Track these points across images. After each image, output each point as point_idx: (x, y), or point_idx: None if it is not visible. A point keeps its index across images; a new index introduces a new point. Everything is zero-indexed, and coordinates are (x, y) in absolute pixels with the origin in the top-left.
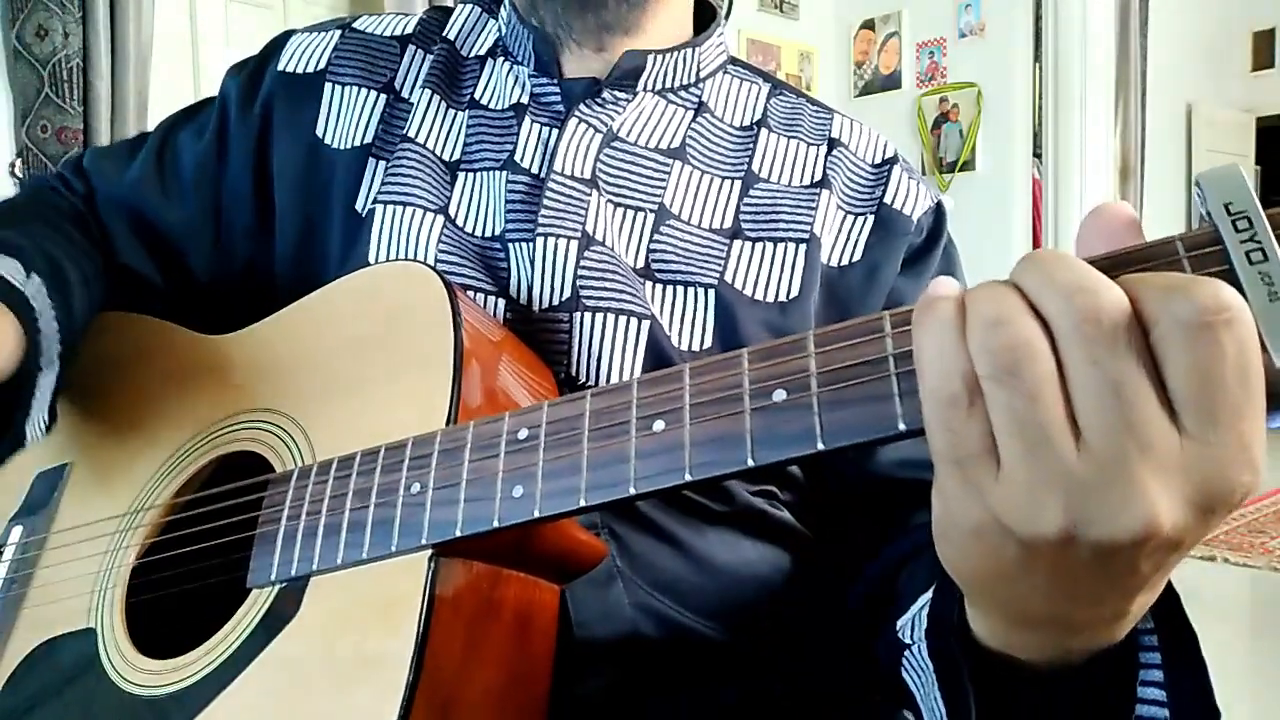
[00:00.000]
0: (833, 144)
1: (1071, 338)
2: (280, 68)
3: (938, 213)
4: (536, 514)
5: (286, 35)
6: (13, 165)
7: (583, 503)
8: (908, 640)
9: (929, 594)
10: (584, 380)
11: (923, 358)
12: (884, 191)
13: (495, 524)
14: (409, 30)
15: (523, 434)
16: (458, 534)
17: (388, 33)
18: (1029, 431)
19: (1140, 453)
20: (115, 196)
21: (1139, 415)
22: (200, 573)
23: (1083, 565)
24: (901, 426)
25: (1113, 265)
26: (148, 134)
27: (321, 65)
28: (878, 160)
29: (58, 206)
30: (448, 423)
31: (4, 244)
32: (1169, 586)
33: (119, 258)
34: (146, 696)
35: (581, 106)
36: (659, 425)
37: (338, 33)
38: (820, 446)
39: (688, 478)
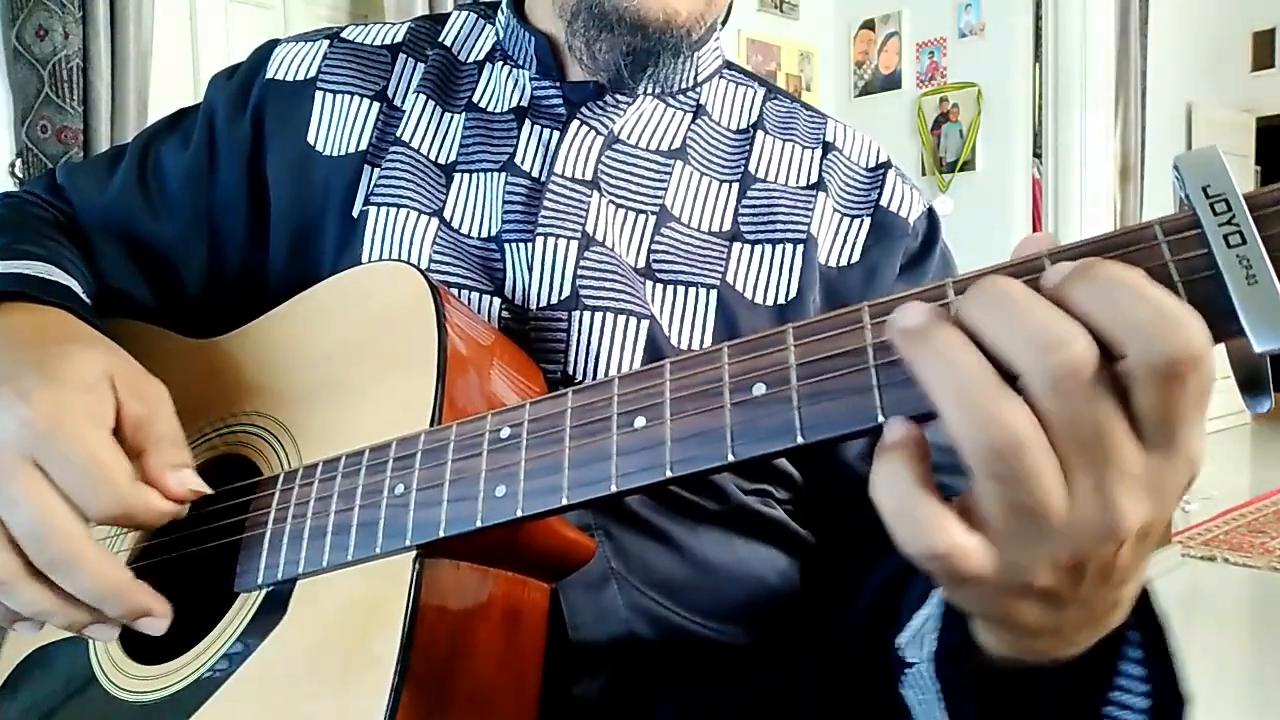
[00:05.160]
0: (827, 148)
1: (1050, 395)
2: (269, 76)
3: (930, 218)
4: (519, 513)
5: (272, 44)
6: (13, 165)
7: (565, 501)
8: (911, 659)
9: (928, 612)
10: (581, 379)
11: (880, 502)
12: (880, 195)
13: (478, 524)
14: (398, 39)
15: (505, 433)
16: (441, 534)
17: (377, 42)
18: (1026, 511)
19: (1117, 478)
20: (98, 215)
21: (1116, 448)
22: (189, 577)
23: (1079, 580)
24: (881, 419)
25: (1094, 252)
26: (123, 147)
27: (312, 73)
28: (872, 165)
29: (44, 219)
30: (432, 423)
31: (37, 255)
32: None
33: (107, 280)
34: (137, 702)
35: (584, 109)
36: (640, 421)
37: (325, 42)
38: (800, 440)
39: (669, 474)
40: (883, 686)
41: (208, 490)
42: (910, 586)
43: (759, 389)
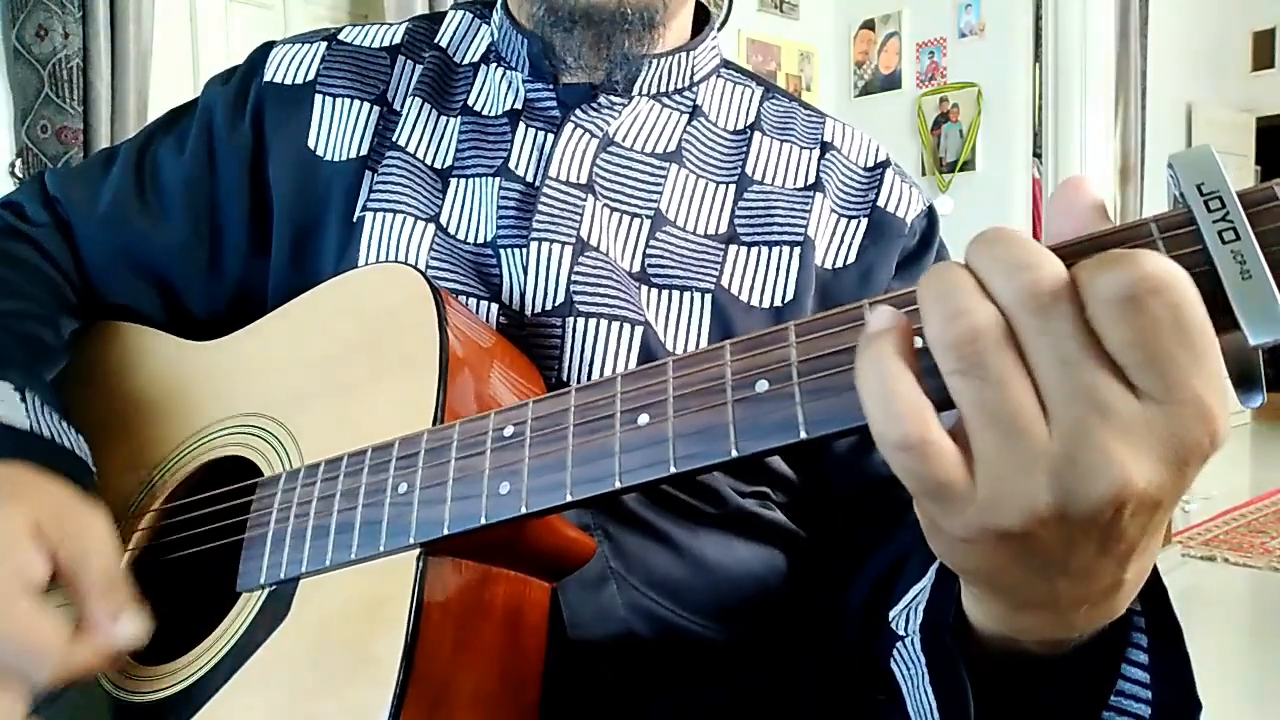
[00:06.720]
0: (825, 148)
1: (1019, 314)
2: (267, 79)
3: (930, 216)
4: (524, 510)
5: (268, 46)
6: (13, 165)
7: (569, 497)
8: (901, 632)
9: (923, 584)
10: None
11: (861, 385)
12: (877, 195)
13: (483, 521)
14: (397, 40)
15: (508, 431)
16: (445, 532)
17: (375, 44)
18: (1002, 420)
19: (1101, 418)
20: (95, 227)
21: (1091, 383)
22: (192, 577)
23: (1072, 541)
24: None
25: (1089, 249)
26: (114, 151)
27: (310, 76)
28: (870, 164)
29: (14, 260)
30: (434, 424)
31: None
32: (1156, 578)
33: (109, 297)
34: (139, 703)
35: (577, 111)
36: (643, 419)
37: (323, 44)
38: (803, 435)
39: (672, 470)
40: (877, 664)
41: (147, 631)
42: (909, 564)
43: (762, 385)
